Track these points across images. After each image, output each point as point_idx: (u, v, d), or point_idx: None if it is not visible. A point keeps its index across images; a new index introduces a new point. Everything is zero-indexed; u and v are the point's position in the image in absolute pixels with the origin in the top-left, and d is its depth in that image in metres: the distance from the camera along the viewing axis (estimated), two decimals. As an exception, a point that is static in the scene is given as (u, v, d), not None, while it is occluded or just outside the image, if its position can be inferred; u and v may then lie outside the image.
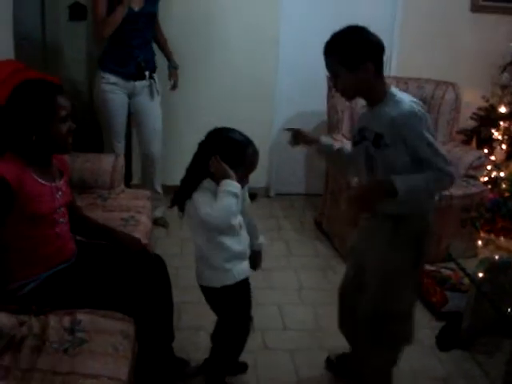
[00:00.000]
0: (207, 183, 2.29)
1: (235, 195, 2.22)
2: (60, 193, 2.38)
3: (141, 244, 2.68)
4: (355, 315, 2.53)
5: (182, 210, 2.37)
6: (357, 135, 2.39)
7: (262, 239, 2.64)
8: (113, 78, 3.88)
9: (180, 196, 2.35)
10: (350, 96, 2.33)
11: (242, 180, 2.30)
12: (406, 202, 2.18)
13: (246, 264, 2.48)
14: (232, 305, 2.50)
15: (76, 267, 2.44)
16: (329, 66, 2.26)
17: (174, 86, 4.25)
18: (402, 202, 2.17)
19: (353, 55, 2.17)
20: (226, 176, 2.22)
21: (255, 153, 2.32)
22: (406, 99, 2.21)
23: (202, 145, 2.32)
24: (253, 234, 2.57)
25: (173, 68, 4.21)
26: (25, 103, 2.22)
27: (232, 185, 2.22)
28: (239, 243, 2.41)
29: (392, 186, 2.12)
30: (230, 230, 2.34)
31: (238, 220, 2.37)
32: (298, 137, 2.58)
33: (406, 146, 2.16)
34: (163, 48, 4.20)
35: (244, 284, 2.50)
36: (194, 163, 2.33)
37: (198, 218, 2.25)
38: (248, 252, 2.50)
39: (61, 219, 2.40)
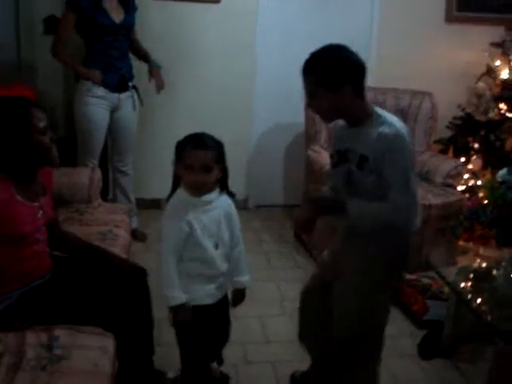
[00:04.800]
0: (180, 194, 2.30)
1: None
2: (41, 212, 2.35)
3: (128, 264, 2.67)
4: (318, 328, 2.53)
5: None
6: (336, 156, 2.30)
7: (246, 277, 2.49)
8: (99, 91, 3.84)
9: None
10: (327, 118, 2.26)
11: (190, 176, 2.23)
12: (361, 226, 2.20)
13: (211, 290, 2.38)
14: (181, 328, 2.43)
15: (52, 283, 2.39)
16: (306, 85, 2.16)
17: (159, 87, 4.09)
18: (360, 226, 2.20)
19: (331, 76, 2.08)
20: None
21: (196, 145, 2.21)
22: (392, 121, 2.12)
23: None
24: (236, 266, 2.47)
25: (156, 66, 4.08)
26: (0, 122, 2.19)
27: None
28: (207, 265, 2.34)
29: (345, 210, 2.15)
30: (198, 250, 2.30)
31: (212, 240, 2.33)
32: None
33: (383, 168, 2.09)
34: (140, 52, 4.13)
35: (204, 311, 2.39)
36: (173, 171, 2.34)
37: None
38: (221, 278, 2.41)
39: (40, 237, 2.37)
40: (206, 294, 2.37)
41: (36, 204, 2.32)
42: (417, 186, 2.13)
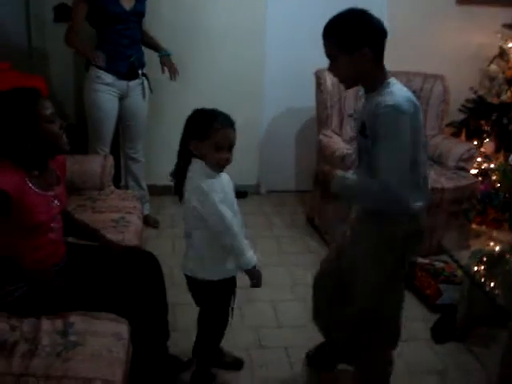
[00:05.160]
0: (199, 168, 2.29)
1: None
2: (56, 201, 2.36)
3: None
4: (331, 309, 2.55)
5: (181, 198, 2.39)
6: (356, 124, 2.36)
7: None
8: (108, 78, 3.84)
9: (178, 183, 2.37)
10: (346, 82, 2.23)
11: (219, 155, 2.25)
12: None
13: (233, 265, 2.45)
14: (213, 299, 2.48)
15: (67, 269, 2.41)
16: (326, 48, 2.16)
17: (173, 74, 4.07)
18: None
19: (350, 38, 2.08)
20: None
21: (225, 123, 2.26)
22: (398, 92, 2.10)
23: (182, 130, 2.34)
24: None
25: (165, 54, 4.06)
26: (6, 115, 2.19)
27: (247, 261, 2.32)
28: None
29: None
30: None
31: (233, 208, 2.36)
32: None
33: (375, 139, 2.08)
34: (149, 42, 4.11)
35: (231, 281, 2.49)
36: (179, 149, 2.36)
37: (207, 208, 2.26)
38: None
39: (55, 226, 2.38)
40: (235, 267, 2.43)
41: (50, 193, 2.33)
42: (407, 162, 2.07)
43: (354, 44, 2.08)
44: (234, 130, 2.30)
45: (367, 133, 2.14)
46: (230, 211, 2.32)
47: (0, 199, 2.11)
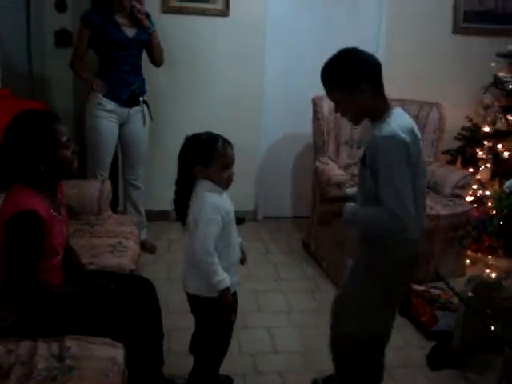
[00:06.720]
0: (209, 184, 2.37)
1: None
2: (65, 225, 2.39)
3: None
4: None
5: (184, 223, 2.44)
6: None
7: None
8: (109, 105, 3.89)
9: (180, 210, 2.44)
10: (354, 119, 2.29)
11: (226, 173, 2.35)
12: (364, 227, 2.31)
13: (236, 275, 2.50)
14: (214, 317, 2.47)
15: (64, 294, 2.41)
16: (328, 93, 2.24)
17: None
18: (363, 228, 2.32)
19: (346, 79, 2.15)
20: None
21: (226, 143, 2.37)
22: (396, 122, 2.13)
23: (179, 159, 2.42)
24: None
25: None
26: (23, 136, 2.20)
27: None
28: (235, 251, 2.46)
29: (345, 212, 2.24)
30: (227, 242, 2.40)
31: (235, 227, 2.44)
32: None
33: (376, 170, 2.13)
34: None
35: (235, 299, 2.51)
36: (179, 177, 2.43)
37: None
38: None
39: (61, 250, 2.39)
40: (236, 280, 2.49)
41: (60, 217, 2.36)
42: (410, 189, 2.12)
43: (352, 83, 2.14)
44: (232, 147, 2.40)
45: (367, 162, 2.18)
46: (234, 228, 2.44)
47: (38, 222, 2.13)
